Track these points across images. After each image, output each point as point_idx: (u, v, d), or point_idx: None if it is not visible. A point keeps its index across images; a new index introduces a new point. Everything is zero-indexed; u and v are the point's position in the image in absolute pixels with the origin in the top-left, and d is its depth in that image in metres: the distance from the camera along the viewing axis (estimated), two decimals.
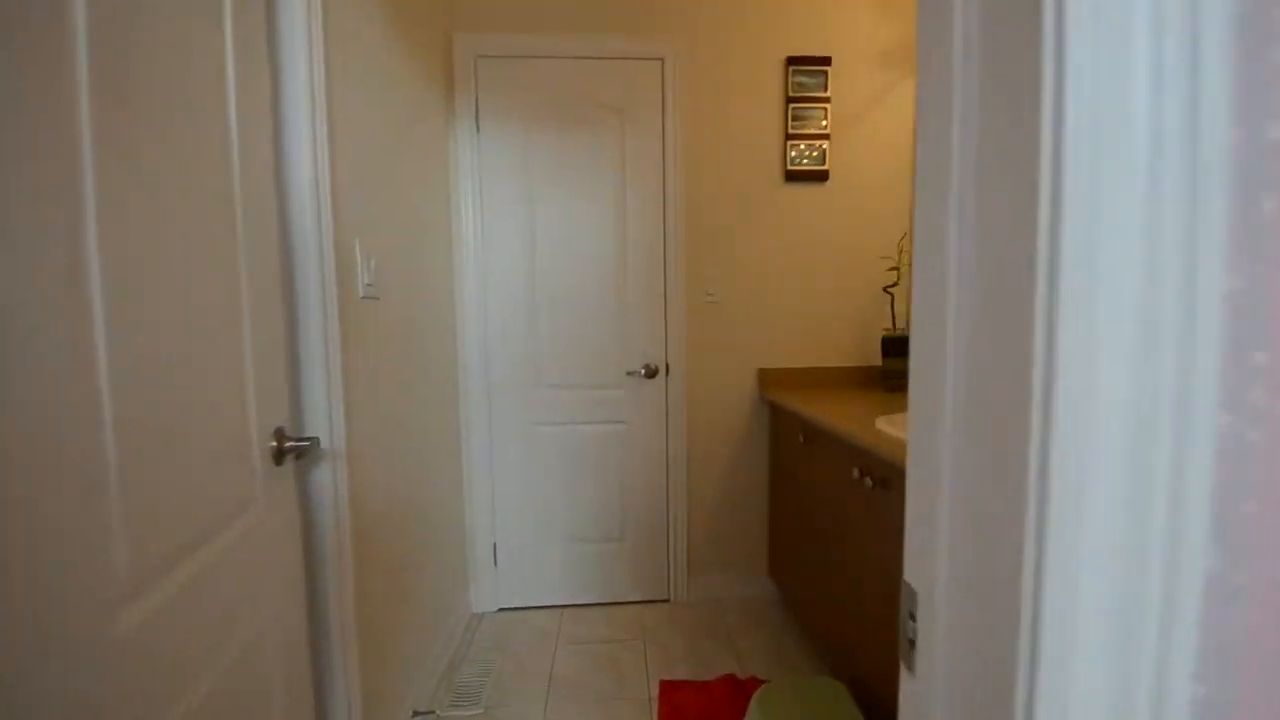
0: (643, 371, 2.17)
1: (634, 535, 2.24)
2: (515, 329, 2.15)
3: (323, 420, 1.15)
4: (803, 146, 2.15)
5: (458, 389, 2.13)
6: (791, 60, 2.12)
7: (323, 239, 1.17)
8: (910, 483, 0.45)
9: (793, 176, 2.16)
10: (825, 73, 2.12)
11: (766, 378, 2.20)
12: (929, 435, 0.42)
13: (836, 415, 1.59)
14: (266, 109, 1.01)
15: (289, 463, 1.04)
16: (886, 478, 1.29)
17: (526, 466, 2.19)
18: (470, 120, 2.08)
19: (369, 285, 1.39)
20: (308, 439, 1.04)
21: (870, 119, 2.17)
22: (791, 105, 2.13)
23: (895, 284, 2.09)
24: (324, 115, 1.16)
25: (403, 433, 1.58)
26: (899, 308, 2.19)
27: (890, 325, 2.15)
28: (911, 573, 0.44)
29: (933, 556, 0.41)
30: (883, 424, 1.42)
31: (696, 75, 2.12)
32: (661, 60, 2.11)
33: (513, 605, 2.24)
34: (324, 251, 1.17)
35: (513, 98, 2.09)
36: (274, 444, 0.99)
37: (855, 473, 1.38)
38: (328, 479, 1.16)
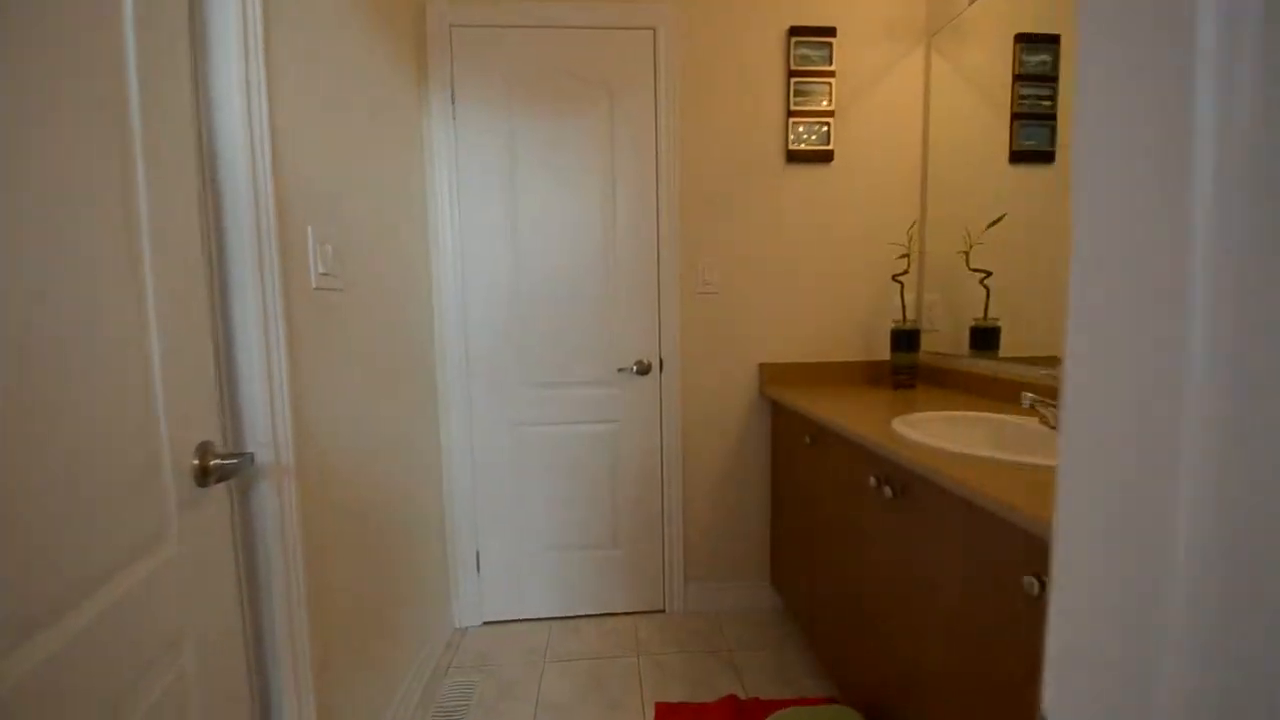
0: (635, 368, 2.02)
1: (627, 542, 2.10)
2: (498, 324, 1.99)
3: (264, 432, 1.00)
4: (805, 125, 1.99)
5: (436, 389, 1.97)
6: (794, 31, 1.96)
7: (262, 220, 1.00)
8: (1061, 576, 0.30)
9: (795, 157, 2.00)
10: (829, 44, 1.96)
11: (767, 373, 2.06)
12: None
13: (848, 416, 1.45)
14: (183, 48, 0.84)
15: (219, 484, 0.89)
16: (908, 486, 1.15)
17: (512, 470, 2.04)
18: (445, 96, 1.91)
19: (326, 275, 1.23)
20: (239, 455, 0.88)
21: (877, 94, 2.01)
22: (794, 80, 1.97)
23: (905, 272, 1.95)
24: (260, 60, 0.99)
25: (372, 439, 1.42)
26: (909, 298, 2.05)
27: (900, 317, 2.01)
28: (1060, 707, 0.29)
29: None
30: (901, 426, 1.28)
31: (691, 47, 1.96)
32: (653, 30, 1.94)
33: (498, 618, 2.10)
34: (264, 234, 1.01)
35: (491, 72, 1.92)
36: (196, 463, 0.84)
37: (872, 480, 1.24)
38: (271, 499, 1.01)
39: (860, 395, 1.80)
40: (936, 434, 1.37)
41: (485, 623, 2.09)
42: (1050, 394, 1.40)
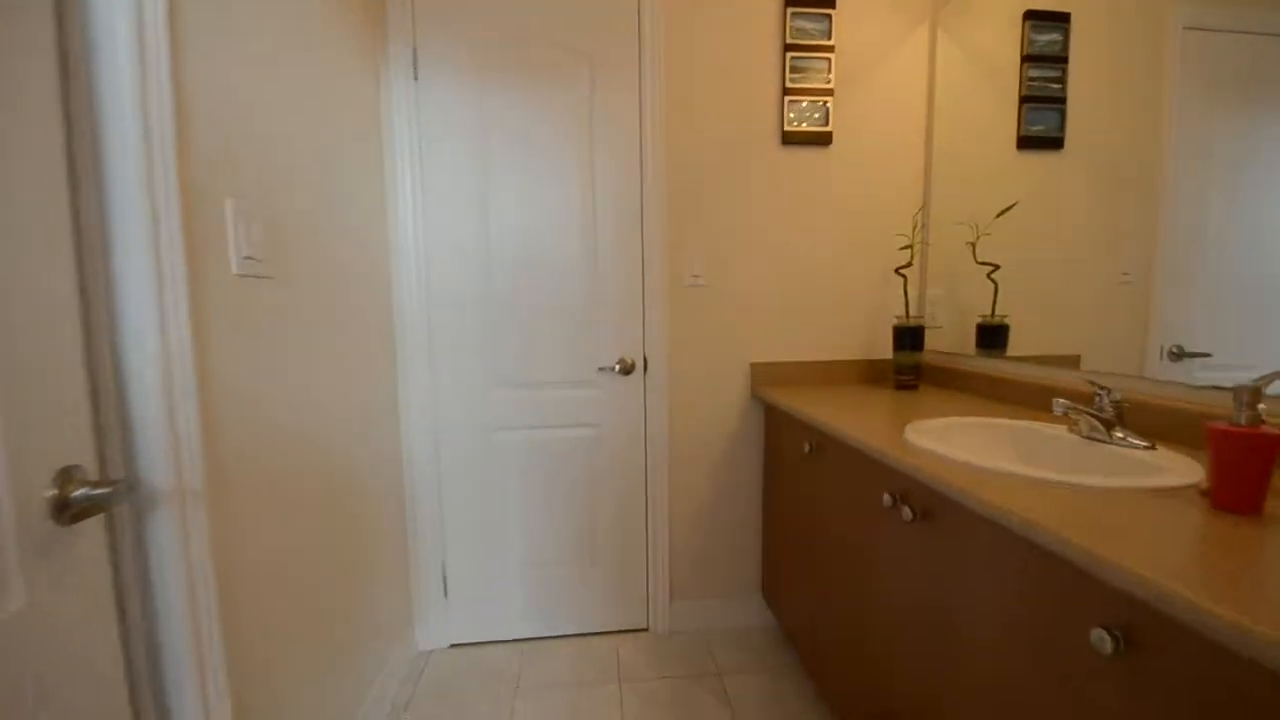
0: (617, 367, 1.85)
1: (607, 555, 1.93)
2: (466, 318, 1.81)
3: (161, 450, 0.81)
4: (803, 104, 1.84)
5: (396, 391, 1.78)
6: (791, 1, 1.80)
7: (159, 192, 0.81)
8: None
9: (791, 139, 1.85)
10: (829, 16, 1.81)
11: (760, 373, 1.91)
12: None
13: (852, 422, 1.30)
14: None
15: (89, 519, 0.70)
16: (932, 508, 1.00)
17: (481, 479, 1.86)
18: (406, 61, 1.71)
19: (251, 260, 1.03)
20: (114, 482, 0.70)
21: (880, 73, 1.87)
22: (790, 54, 1.81)
23: (909, 264, 1.81)
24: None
25: (316, 448, 1.23)
26: (913, 292, 1.92)
27: (903, 313, 1.87)
28: None
29: None
30: (915, 436, 1.13)
31: (679, 15, 1.79)
32: None
33: (466, 640, 1.92)
34: (162, 210, 0.82)
35: (459, 36, 1.73)
36: (53, 494, 0.65)
37: (886, 499, 1.09)
38: (168, 531, 0.82)
39: (861, 398, 1.65)
40: (958, 445, 1.23)
41: (453, 645, 1.91)
42: (1083, 399, 1.27)
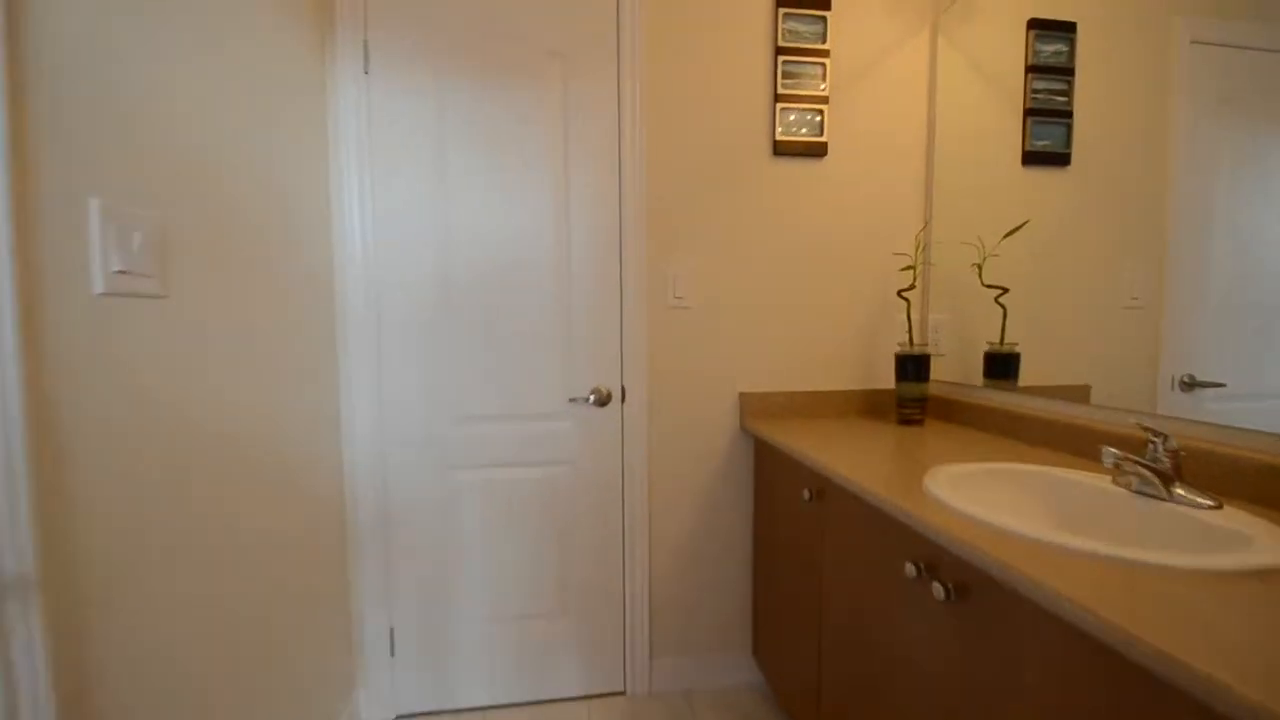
0: (591, 398, 1.66)
1: (579, 608, 1.72)
2: (420, 344, 1.60)
3: None
4: (795, 112, 1.69)
5: (338, 426, 1.56)
6: (783, 1, 1.66)
7: None
8: None
9: (783, 149, 1.70)
10: (824, 19, 1.67)
11: (750, 404, 1.73)
12: None
13: (861, 468, 1.13)
14: None
15: None
16: (971, 587, 0.82)
17: (437, 524, 1.64)
18: (357, 56, 1.53)
19: (127, 275, 0.83)
20: None
21: (878, 80, 1.73)
22: (781, 58, 1.67)
23: (911, 287, 1.66)
24: None
25: (216, 513, 1.01)
26: (916, 317, 1.77)
27: (906, 340, 1.72)
28: None
29: None
30: (937, 486, 0.96)
31: (661, 14, 1.63)
32: None
33: (416, 710, 1.68)
34: None
35: (415, 32, 1.55)
36: None
37: (910, 569, 0.91)
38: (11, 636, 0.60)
39: (864, 434, 1.48)
40: (989, 500, 1.05)
41: (399, 716, 1.67)
42: (1120, 441, 1.11)
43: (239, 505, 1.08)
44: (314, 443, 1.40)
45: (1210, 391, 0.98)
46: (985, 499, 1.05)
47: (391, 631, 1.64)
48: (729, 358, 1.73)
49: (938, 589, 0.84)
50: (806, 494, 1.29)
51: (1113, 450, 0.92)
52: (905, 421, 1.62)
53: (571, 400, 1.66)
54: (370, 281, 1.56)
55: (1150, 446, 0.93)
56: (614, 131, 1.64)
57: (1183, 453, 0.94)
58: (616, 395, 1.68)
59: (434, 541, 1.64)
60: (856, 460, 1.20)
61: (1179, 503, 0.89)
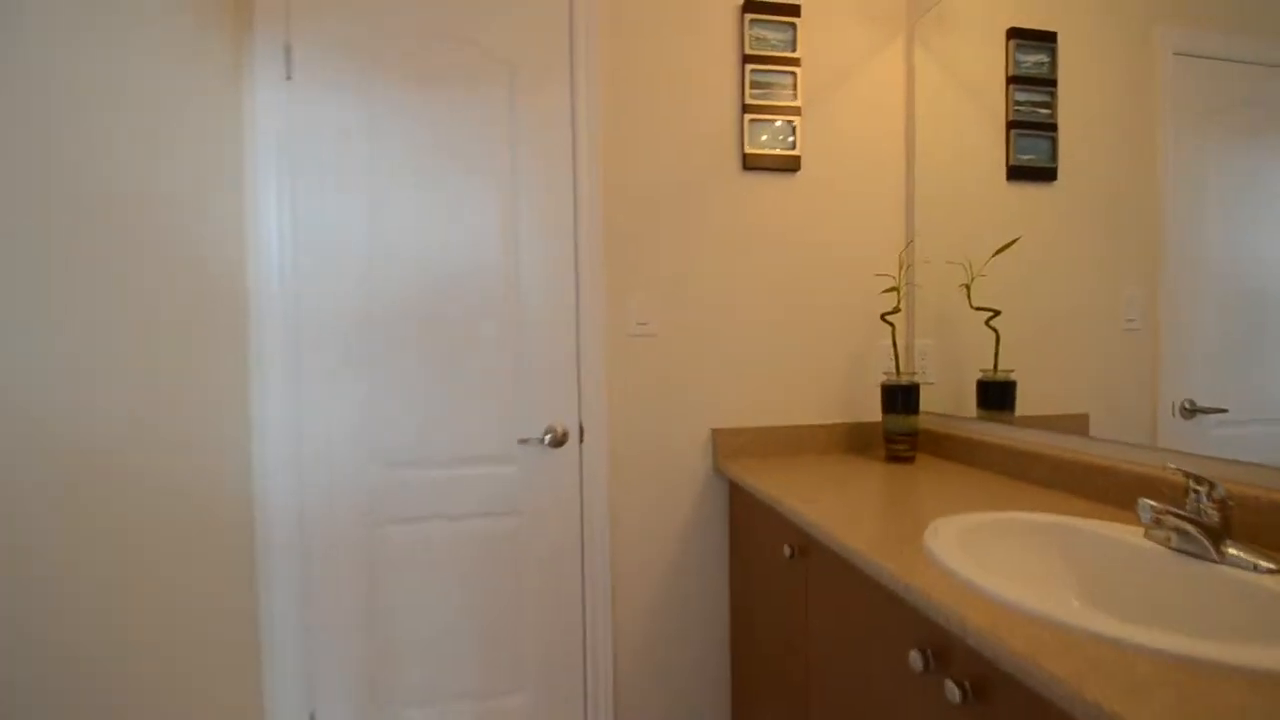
0: (545, 438, 1.47)
1: (536, 683, 1.50)
2: (348, 377, 1.41)
3: None
4: (765, 124, 1.57)
5: (250, 479, 1.35)
6: (748, 6, 1.55)
7: None
8: None
9: (753, 163, 1.56)
10: (793, 25, 1.56)
11: (724, 442, 1.55)
12: None
13: (850, 522, 0.95)
14: None
15: None
16: (987, 683, 0.64)
17: (366, 589, 1.42)
18: (278, 61, 1.37)
19: None
20: None
21: (853, 90, 1.62)
22: (749, 67, 1.55)
23: (895, 310, 1.51)
24: None
25: (90, 610, 0.80)
26: (901, 342, 1.62)
27: (892, 367, 1.57)
28: None
29: None
30: (941, 547, 0.79)
31: (619, 20, 1.51)
32: None
33: None
34: None
35: (344, 36, 1.40)
36: None
37: (916, 659, 0.73)
38: None
39: (850, 475, 1.31)
40: (1003, 564, 0.88)
41: None
42: (1160, 489, 0.95)
43: (128, 582, 0.86)
44: (212, 499, 1.19)
45: (1213, 418, 0.92)
46: (998, 562, 0.88)
47: (313, 717, 1.40)
48: (699, 390, 1.56)
49: (951, 690, 0.66)
50: (788, 550, 1.11)
51: (1151, 504, 0.76)
52: (895, 459, 1.46)
53: (522, 441, 1.47)
54: (289, 306, 1.37)
55: (1193, 496, 0.77)
56: (568, 144, 1.49)
57: (1232, 502, 0.78)
58: (573, 434, 1.50)
59: (363, 610, 1.42)
60: (843, 510, 1.03)
61: (1233, 565, 0.73)
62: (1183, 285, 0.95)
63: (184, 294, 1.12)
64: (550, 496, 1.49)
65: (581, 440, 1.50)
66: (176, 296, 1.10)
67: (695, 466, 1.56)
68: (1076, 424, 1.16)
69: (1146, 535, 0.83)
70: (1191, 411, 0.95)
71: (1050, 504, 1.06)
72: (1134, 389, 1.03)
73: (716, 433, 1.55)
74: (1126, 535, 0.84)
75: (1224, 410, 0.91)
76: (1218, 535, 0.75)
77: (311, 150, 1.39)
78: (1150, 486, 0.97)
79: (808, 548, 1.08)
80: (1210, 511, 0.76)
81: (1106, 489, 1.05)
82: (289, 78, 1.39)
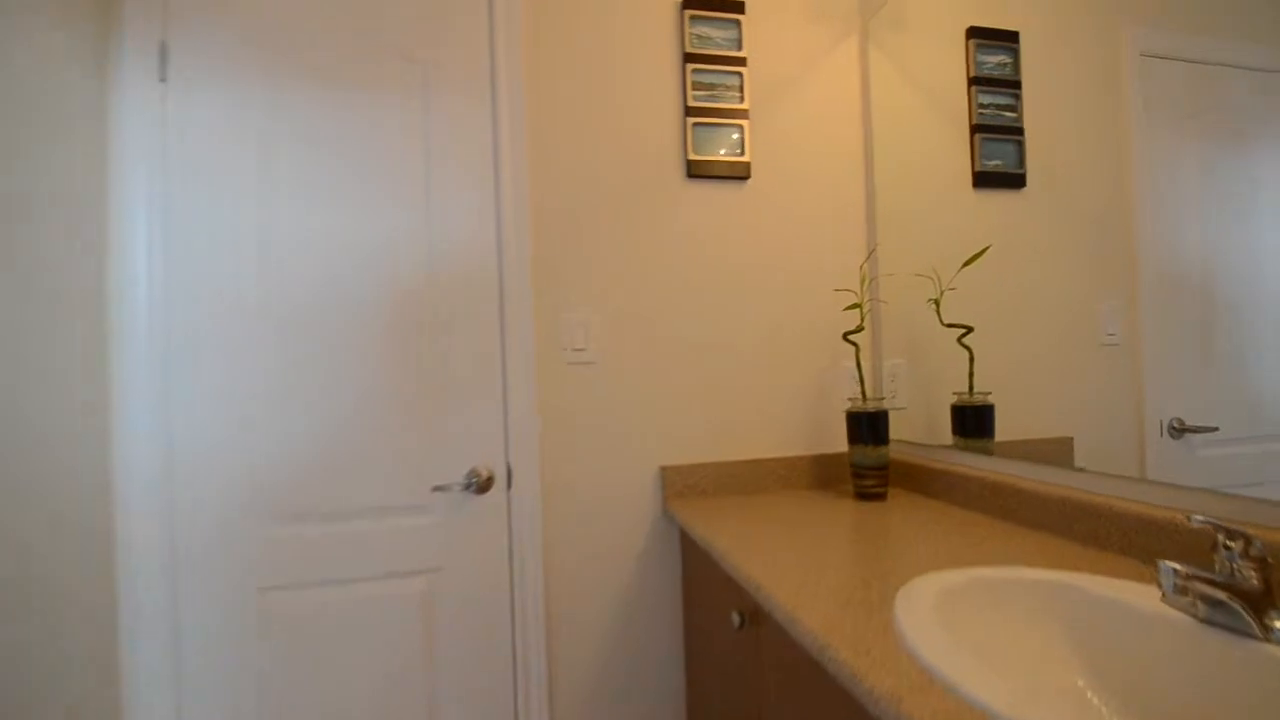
0: (467, 482, 1.28)
1: None
2: (225, 420, 1.20)
3: None
4: (711, 129, 1.43)
5: (113, 540, 1.13)
6: (689, 2, 1.42)
7: None
8: None
9: (698, 170, 1.42)
10: (737, 23, 1.44)
11: (674, 481, 1.37)
12: None
13: (805, 585, 0.78)
14: None
15: None
16: None
17: (248, 667, 1.19)
18: (151, 60, 1.20)
19: None
20: None
21: (805, 93, 1.50)
22: (692, 67, 1.42)
23: (859, 328, 1.36)
24: None
25: None
26: (867, 364, 1.47)
27: (858, 392, 1.41)
28: None
29: None
30: (918, 627, 0.61)
31: (546, 13, 1.37)
32: None
33: None
34: None
35: (229, 33, 1.23)
36: None
37: None
38: None
39: (812, 517, 1.14)
40: (992, 648, 0.70)
41: None
42: (1186, 540, 0.79)
43: None
44: (60, 564, 0.97)
45: (1200, 438, 0.86)
46: (986, 641, 0.70)
47: None
48: (645, 423, 1.38)
49: None
50: (737, 619, 0.92)
51: (1174, 568, 0.60)
52: (864, 495, 1.29)
53: (438, 489, 1.27)
54: (158, 328, 1.17)
55: (1223, 553, 0.61)
56: (489, 152, 1.33)
57: (1272, 559, 0.62)
58: (500, 477, 1.31)
59: (248, 697, 1.18)
60: (800, 566, 0.85)
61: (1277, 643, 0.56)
62: (1162, 296, 0.90)
63: (35, 309, 0.92)
64: (474, 550, 1.29)
65: (510, 484, 1.31)
66: (27, 310, 0.90)
67: (643, 509, 1.37)
68: (1060, 449, 1.05)
69: (1166, 601, 0.66)
70: (1180, 431, 0.88)
71: (1041, 550, 0.90)
72: (1118, 408, 0.95)
73: (665, 470, 1.37)
74: (1142, 601, 0.68)
75: (1214, 429, 0.84)
76: (1259, 603, 0.59)
77: (190, 157, 1.21)
78: (1155, 530, 0.81)
79: (758, 616, 0.90)
80: (1247, 573, 0.59)
81: (1107, 534, 0.89)
82: (163, 79, 1.21)
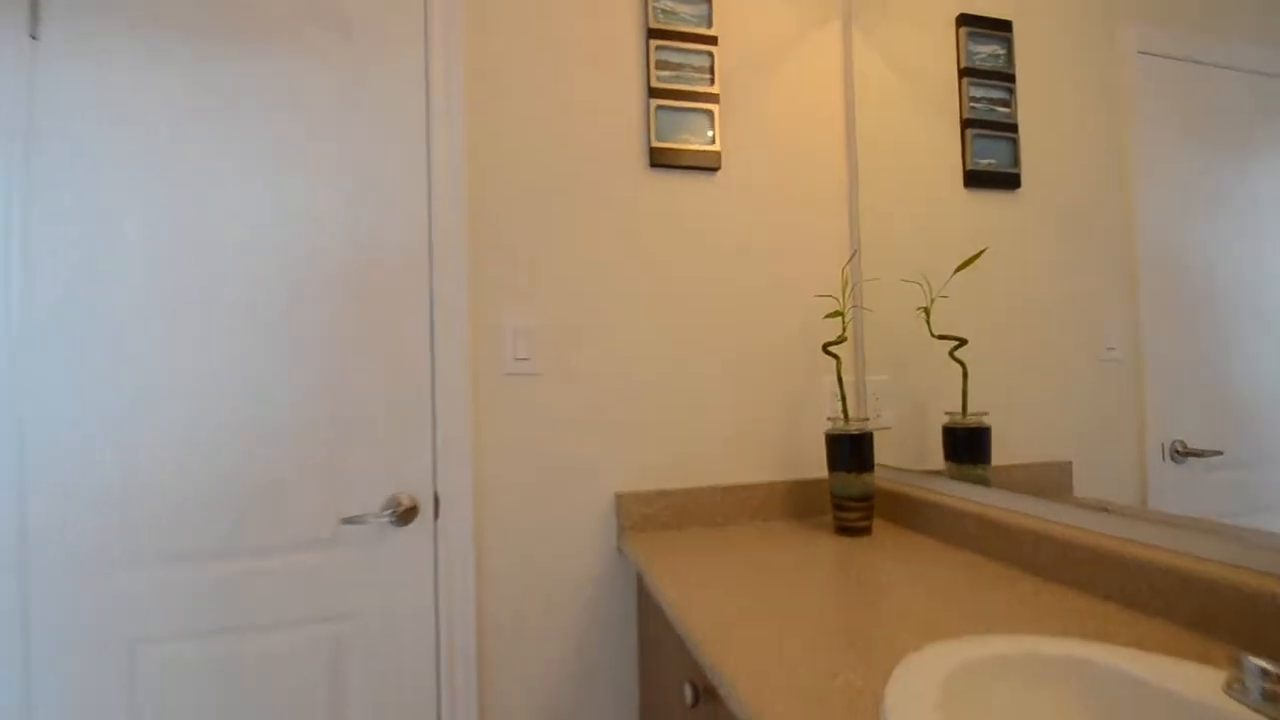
0: (386, 513, 1.09)
1: None
2: (95, 439, 1.00)
3: None
4: (678, 115, 1.28)
5: None
6: None
7: None
8: None
9: (662, 159, 1.26)
10: None
11: (630, 511, 1.20)
12: None
13: (770, 657, 0.61)
14: None
15: None
16: None
17: None
18: (18, 15, 1.01)
19: None
20: None
21: (782, 78, 1.35)
22: (655, 43, 1.27)
23: (840, 339, 1.21)
24: None
25: None
26: (849, 378, 1.32)
27: (839, 411, 1.25)
28: None
29: None
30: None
31: None
32: None
33: None
34: None
35: None
36: None
37: None
38: None
39: (785, 559, 0.97)
40: None
41: None
42: (1258, 621, 0.63)
43: None
44: None
45: (1205, 461, 0.81)
46: None
47: None
48: (599, 444, 1.21)
49: None
50: (688, 692, 0.75)
51: (1259, 663, 0.44)
52: (845, 530, 1.13)
53: (349, 520, 1.08)
54: (10, 327, 0.98)
55: None
56: (421, 131, 1.16)
57: None
58: (426, 506, 1.12)
59: None
60: (768, 635, 0.68)
61: None
62: (1164, 309, 0.84)
63: None
64: (392, 594, 1.10)
65: (437, 515, 1.12)
66: None
67: (594, 543, 1.20)
68: (1059, 474, 0.95)
69: (1227, 690, 0.51)
70: (1183, 454, 0.83)
71: (1056, 607, 0.74)
72: (1118, 428, 0.88)
73: (621, 498, 1.20)
74: (1195, 688, 0.52)
75: (1219, 453, 0.79)
76: None
77: (64, 130, 1.02)
78: (1207, 587, 0.66)
79: (714, 694, 0.73)
80: None
81: (1135, 590, 0.74)
82: (35, 36, 1.03)
